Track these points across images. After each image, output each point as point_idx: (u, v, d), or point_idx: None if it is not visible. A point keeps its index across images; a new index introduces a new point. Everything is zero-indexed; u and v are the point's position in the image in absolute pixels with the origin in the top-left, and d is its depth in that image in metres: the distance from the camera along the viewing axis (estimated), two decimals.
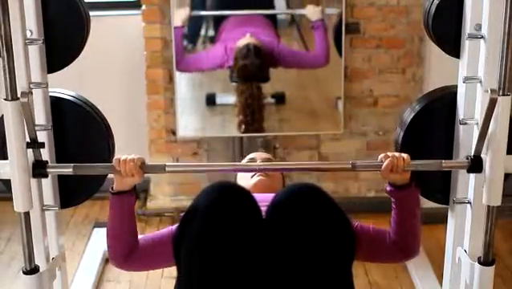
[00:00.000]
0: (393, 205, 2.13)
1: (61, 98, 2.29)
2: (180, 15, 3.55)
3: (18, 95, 1.92)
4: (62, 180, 2.31)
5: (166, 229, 2.17)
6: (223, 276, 1.72)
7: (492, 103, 1.95)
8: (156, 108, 3.77)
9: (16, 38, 1.96)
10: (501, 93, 1.96)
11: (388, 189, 2.11)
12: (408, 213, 2.12)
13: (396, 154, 2.05)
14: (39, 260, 2.17)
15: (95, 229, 3.64)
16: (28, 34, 2.09)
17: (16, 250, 3.50)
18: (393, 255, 2.17)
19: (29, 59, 2.08)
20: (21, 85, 1.98)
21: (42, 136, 2.18)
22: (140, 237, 2.15)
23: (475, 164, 2.08)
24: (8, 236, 3.69)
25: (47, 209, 2.25)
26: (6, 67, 1.89)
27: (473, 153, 2.09)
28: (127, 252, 2.11)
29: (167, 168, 2.14)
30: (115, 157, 2.06)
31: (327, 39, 3.63)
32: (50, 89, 2.24)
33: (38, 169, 2.06)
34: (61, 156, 2.28)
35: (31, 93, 2.03)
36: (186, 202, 3.39)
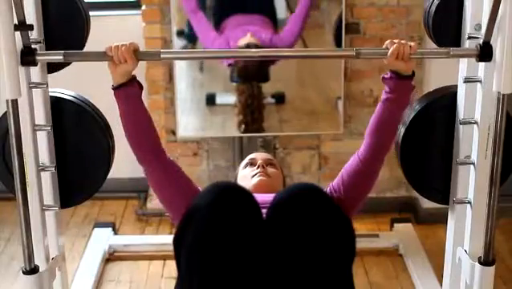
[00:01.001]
0: (384, 96, 2.08)
1: (61, 98, 2.29)
2: None
3: None
4: (62, 179, 2.31)
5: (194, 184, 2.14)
6: (223, 277, 1.72)
7: None
8: (156, 108, 3.77)
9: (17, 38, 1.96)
10: None
11: (388, 75, 2.06)
12: (397, 106, 2.08)
13: (403, 41, 2.01)
14: (39, 260, 2.17)
15: (95, 229, 3.64)
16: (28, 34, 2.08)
17: (16, 250, 3.50)
18: (372, 169, 2.14)
19: None
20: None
21: (41, 137, 2.19)
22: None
23: (485, 51, 2.02)
24: (8, 236, 3.69)
25: (47, 209, 2.25)
26: None
27: (482, 41, 2.03)
28: (153, 147, 2.07)
29: (162, 55, 2.09)
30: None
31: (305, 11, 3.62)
32: (50, 89, 2.24)
33: (27, 56, 1.99)
34: (60, 157, 2.28)
35: None
36: None
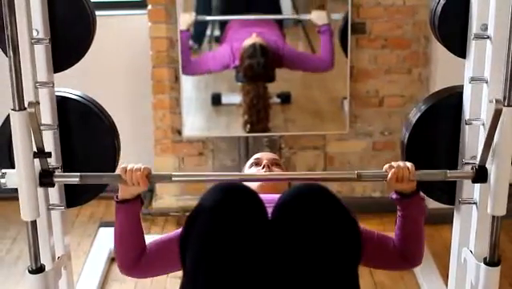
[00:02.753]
0: (398, 214, 2.15)
1: (67, 97, 2.30)
2: (185, 20, 3.55)
3: (25, 105, 1.93)
4: None
5: (173, 233, 2.19)
6: (229, 276, 1.72)
7: (497, 114, 1.94)
8: (162, 108, 3.78)
9: (22, 37, 1.97)
10: (506, 104, 1.95)
11: (394, 197, 2.13)
12: (414, 222, 2.15)
13: (401, 164, 2.06)
14: (45, 259, 2.17)
15: (101, 229, 3.65)
16: (34, 34, 2.09)
17: (22, 250, 3.51)
18: (396, 263, 2.20)
19: (35, 58, 2.09)
20: (28, 93, 1.98)
21: (48, 136, 2.19)
22: (147, 243, 2.16)
23: (480, 175, 2.08)
24: (14, 235, 3.70)
25: (53, 209, 2.25)
26: (13, 66, 1.90)
27: (478, 161, 2.09)
28: (135, 258, 2.13)
29: (173, 178, 2.14)
30: (121, 166, 2.06)
31: (332, 44, 3.63)
32: (56, 88, 2.25)
33: (45, 178, 2.06)
34: (67, 156, 2.28)
35: (38, 103, 2.04)
36: (192, 202, 3.40)
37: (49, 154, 2.04)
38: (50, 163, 2.10)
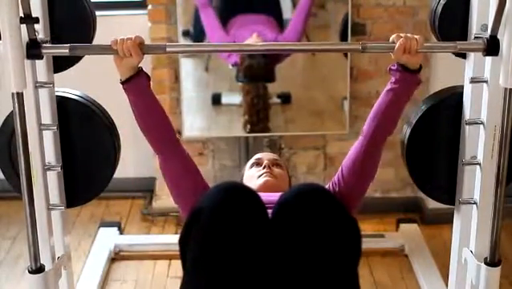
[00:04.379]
0: (388, 87, 2.08)
1: (67, 97, 2.30)
2: None
3: None
4: (68, 179, 2.31)
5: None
6: (229, 276, 1.72)
7: None
8: None
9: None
10: None
11: (395, 67, 2.06)
12: (402, 98, 2.07)
13: (409, 35, 2.00)
14: (45, 259, 2.18)
15: (101, 229, 3.65)
16: None
17: (22, 250, 3.51)
18: (370, 156, 2.14)
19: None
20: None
21: (47, 136, 2.19)
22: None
23: (492, 46, 2.00)
24: (14, 235, 3.70)
25: (53, 209, 2.25)
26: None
27: (489, 35, 2.01)
28: (167, 136, 2.11)
29: (167, 49, 2.09)
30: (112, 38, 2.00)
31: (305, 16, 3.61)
32: (56, 88, 2.25)
33: (33, 49, 1.98)
34: (66, 156, 2.28)
35: None
36: None
37: (36, 19, 1.93)
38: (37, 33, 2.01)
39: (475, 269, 2.19)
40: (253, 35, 3.57)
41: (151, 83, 2.10)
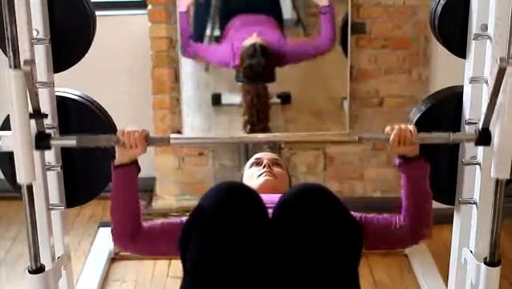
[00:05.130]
0: (402, 182, 2.08)
1: (67, 97, 2.30)
2: (185, 1, 3.56)
3: (21, 65, 1.88)
4: (68, 179, 2.31)
5: (178, 219, 2.12)
6: (229, 276, 1.72)
7: (501, 73, 1.88)
8: (162, 108, 3.77)
9: (22, 37, 1.96)
10: (511, 61, 1.87)
11: (398, 162, 2.07)
12: (418, 189, 2.07)
13: (403, 126, 2.01)
14: (45, 259, 2.18)
15: (101, 229, 3.64)
16: (34, 34, 2.09)
17: (22, 250, 3.51)
18: (402, 239, 2.11)
19: (35, 58, 2.09)
20: (24, 55, 1.96)
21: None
22: (149, 223, 2.12)
23: (483, 137, 2.03)
24: (14, 235, 3.70)
25: (53, 209, 2.25)
26: (13, 66, 1.89)
27: (481, 126, 2.04)
28: (132, 228, 2.09)
29: (171, 141, 2.12)
30: (119, 129, 2.04)
31: (333, 24, 3.60)
32: (56, 88, 2.25)
33: (41, 141, 2.03)
34: (66, 156, 2.28)
35: (34, 62, 2.00)
36: (192, 202, 3.39)
37: (45, 115, 2.00)
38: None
39: (475, 269, 2.19)
40: (254, 35, 3.57)
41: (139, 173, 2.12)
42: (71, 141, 2.08)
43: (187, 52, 3.65)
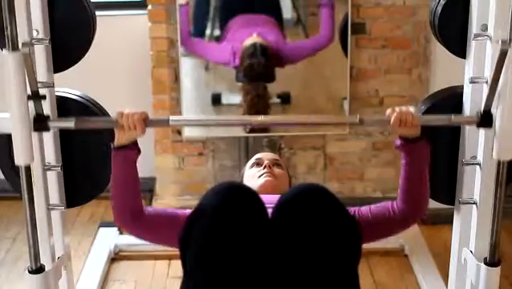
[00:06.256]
0: (402, 162, 2.09)
1: (67, 97, 2.30)
2: None
3: (20, 47, 1.87)
4: (67, 179, 2.31)
5: (183, 211, 2.12)
6: (229, 276, 1.73)
7: (502, 56, 1.88)
8: (162, 108, 3.77)
9: (22, 37, 1.96)
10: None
11: (398, 143, 2.08)
12: (418, 169, 2.08)
13: (403, 108, 2.02)
14: (45, 259, 2.18)
15: (101, 229, 3.64)
16: (34, 34, 2.09)
17: (22, 250, 3.51)
18: (399, 225, 2.12)
19: (35, 58, 2.09)
20: (22, 37, 1.95)
21: (48, 136, 2.19)
22: (153, 207, 2.12)
23: (485, 119, 2.04)
24: (14, 235, 3.70)
25: (53, 209, 2.26)
26: (11, 48, 1.88)
27: (482, 109, 2.04)
28: (134, 209, 2.09)
29: (171, 122, 2.12)
30: (118, 111, 2.04)
31: (332, 18, 3.60)
32: (56, 89, 2.25)
33: (40, 123, 2.02)
34: (66, 155, 2.28)
35: (33, 44, 2.00)
36: (192, 202, 3.40)
37: (43, 97, 1.99)
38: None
39: (475, 269, 2.19)
40: (254, 35, 3.57)
41: (139, 156, 2.12)
42: (69, 123, 2.07)
43: (187, 47, 3.64)
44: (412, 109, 2.02)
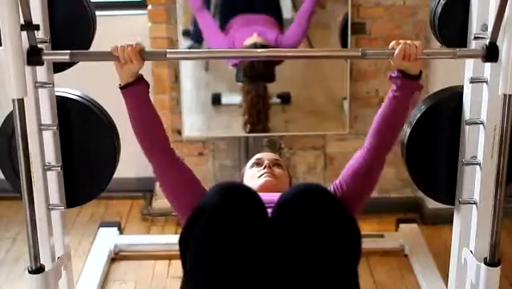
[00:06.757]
0: (390, 95, 2.08)
1: (67, 97, 2.30)
2: None
3: None
4: (67, 179, 2.31)
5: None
6: (229, 276, 1.73)
7: None
8: (162, 108, 3.77)
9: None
10: None
11: (395, 74, 2.06)
12: (402, 107, 2.07)
13: (408, 41, 2.01)
14: (45, 259, 2.18)
15: (101, 229, 3.65)
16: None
17: (22, 250, 3.51)
18: (375, 165, 2.10)
19: None
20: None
21: (47, 136, 2.19)
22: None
23: (491, 52, 2.02)
24: (14, 235, 3.70)
25: (53, 209, 2.25)
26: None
27: (488, 42, 2.02)
28: (160, 140, 2.10)
29: (168, 55, 2.10)
30: (113, 45, 2.01)
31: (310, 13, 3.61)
32: (56, 89, 2.25)
33: (33, 56, 1.99)
34: (66, 156, 2.28)
35: None
36: None
37: (37, 27, 1.94)
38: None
39: (475, 269, 2.19)
40: (254, 34, 3.57)
41: (149, 90, 2.10)
42: (63, 56, 2.04)
43: (195, 12, 3.62)
44: (416, 42, 2.01)
